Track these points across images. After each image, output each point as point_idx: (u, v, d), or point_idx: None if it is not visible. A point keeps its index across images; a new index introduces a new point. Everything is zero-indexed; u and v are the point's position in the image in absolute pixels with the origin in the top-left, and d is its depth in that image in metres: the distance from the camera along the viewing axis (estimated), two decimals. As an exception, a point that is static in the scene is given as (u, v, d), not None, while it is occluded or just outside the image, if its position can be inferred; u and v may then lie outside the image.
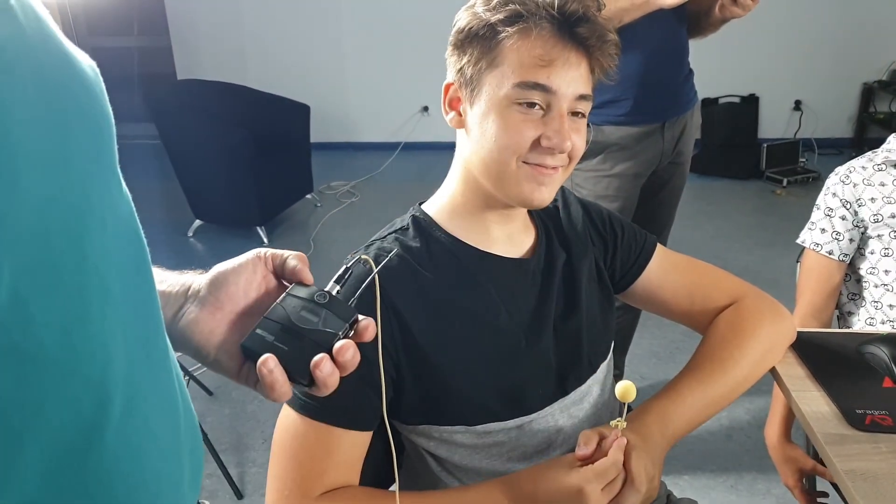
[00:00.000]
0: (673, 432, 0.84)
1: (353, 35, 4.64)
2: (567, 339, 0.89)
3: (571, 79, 0.77)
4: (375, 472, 0.87)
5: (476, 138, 0.81)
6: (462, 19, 0.81)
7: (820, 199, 1.36)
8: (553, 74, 0.77)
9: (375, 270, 0.58)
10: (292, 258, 0.54)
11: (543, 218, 0.94)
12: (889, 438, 0.84)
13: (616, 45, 0.81)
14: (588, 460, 0.74)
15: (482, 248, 0.86)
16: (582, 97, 0.79)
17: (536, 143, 0.78)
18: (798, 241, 1.38)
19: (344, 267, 0.57)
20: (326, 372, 0.48)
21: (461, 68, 0.81)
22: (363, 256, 0.61)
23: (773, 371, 0.98)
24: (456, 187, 0.87)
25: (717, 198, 3.89)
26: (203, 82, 3.65)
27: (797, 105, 4.59)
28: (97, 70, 0.39)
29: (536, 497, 0.75)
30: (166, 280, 0.55)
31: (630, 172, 1.74)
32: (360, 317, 0.52)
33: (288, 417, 0.78)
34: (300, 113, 3.60)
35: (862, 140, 4.43)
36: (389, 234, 0.87)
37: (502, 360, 0.84)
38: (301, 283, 0.54)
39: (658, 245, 1.00)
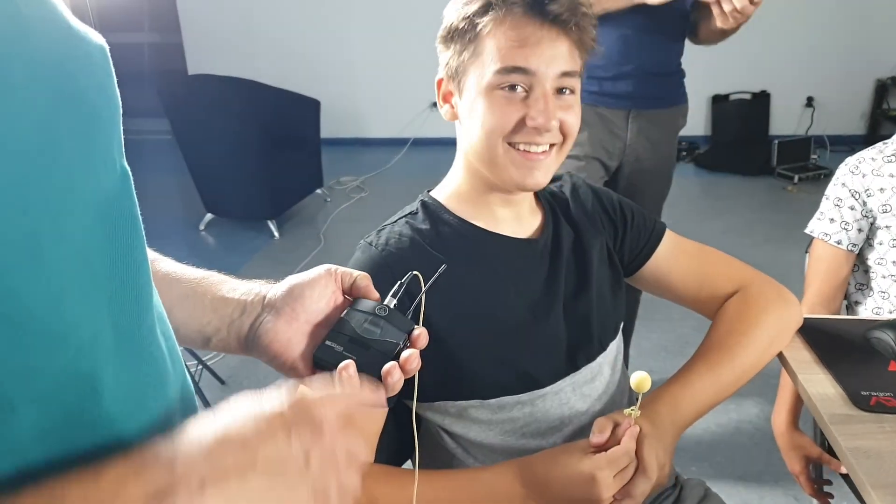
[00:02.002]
0: (683, 418, 0.85)
1: (362, 31, 4.66)
2: (577, 317, 0.90)
3: (550, 57, 0.79)
4: (388, 452, 0.89)
5: (468, 127, 0.85)
6: (446, 16, 0.85)
7: (829, 190, 1.36)
8: (530, 55, 0.79)
9: (423, 289, 0.61)
10: (362, 278, 0.59)
11: (549, 200, 0.96)
12: (894, 419, 0.84)
13: (591, 16, 0.82)
14: (601, 448, 0.76)
15: (489, 229, 0.88)
16: (566, 74, 0.81)
17: (522, 124, 0.80)
18: (807, 230, 1.38)
19: (398, 283, 0.61)
20: (396, 378, 0.53)
21: (448, 62, 0.85)
22: (415, 273, 0.63)
23: (780, 355, 0.98)
24: (460, 175, 0.90)
25: (727, 193, 3.87)
26: (214, 77, 3.67)
27: (809, 102, 4.56)
28: (106, 49, 0.40)
29: (549, 481, 0.76)
30: (238, 288, 0.58)
31: (585, 152, 1.73)
32: (416, 328, 0.57)
33: None
34: (310, 108, 3.63)
35: (875, 137, 4.39)
36: (400, 218, 0.90)
37: (511, 336, 0.85)
38: (362, 298, 0.58)
39: (668, 230, 1.01)
